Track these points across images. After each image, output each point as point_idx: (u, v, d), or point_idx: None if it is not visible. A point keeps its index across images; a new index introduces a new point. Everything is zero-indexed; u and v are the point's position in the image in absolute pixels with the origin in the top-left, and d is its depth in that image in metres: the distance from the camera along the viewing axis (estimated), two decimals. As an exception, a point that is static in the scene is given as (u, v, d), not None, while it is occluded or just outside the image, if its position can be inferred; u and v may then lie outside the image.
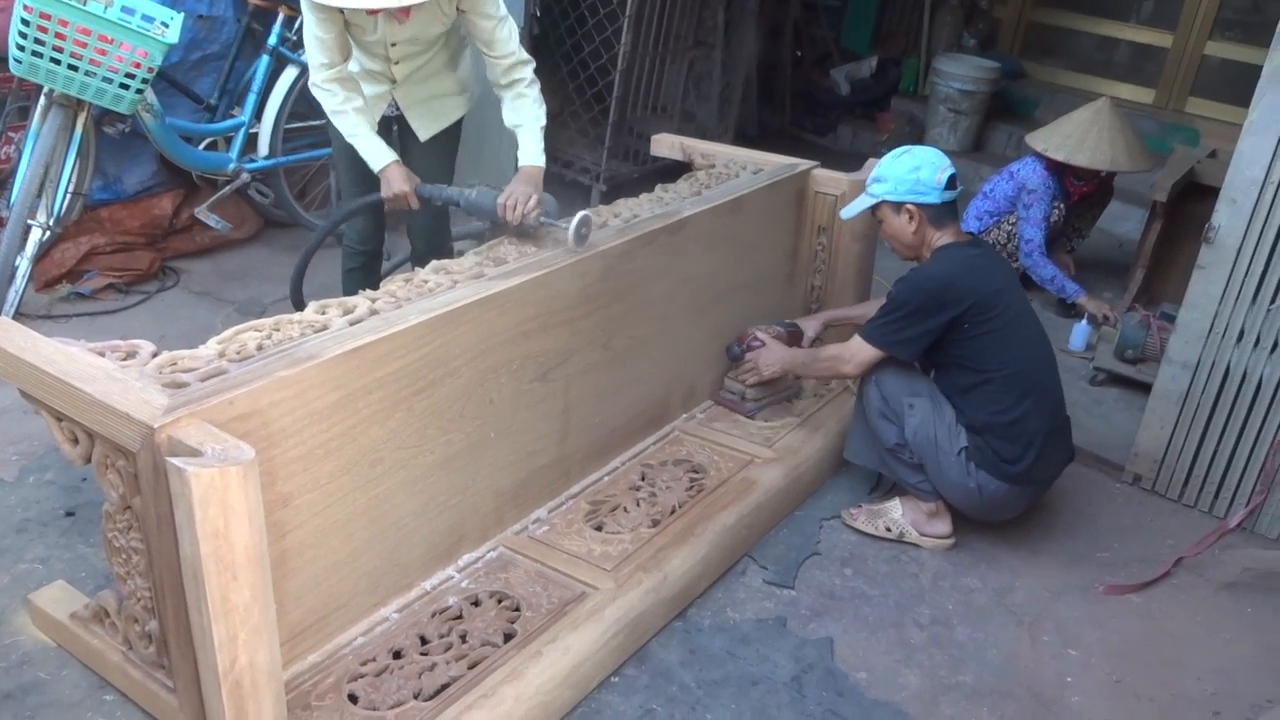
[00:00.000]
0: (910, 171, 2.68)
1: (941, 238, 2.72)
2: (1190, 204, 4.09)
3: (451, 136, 3.09)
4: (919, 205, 2.69)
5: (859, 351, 2.75)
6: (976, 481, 2.66)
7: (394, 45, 2.80)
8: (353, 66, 2.90)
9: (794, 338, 3.18)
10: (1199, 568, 2.82)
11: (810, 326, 3.22)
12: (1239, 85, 5.89)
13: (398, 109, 2.98)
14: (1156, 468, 3.14)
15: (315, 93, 2.78)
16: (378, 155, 2.79)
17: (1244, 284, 2.85)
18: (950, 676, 2.39)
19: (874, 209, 2.79)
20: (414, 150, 3.05)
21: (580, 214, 2.48)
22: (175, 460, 1.58)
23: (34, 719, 2.04)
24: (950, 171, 2.69)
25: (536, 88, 2.84)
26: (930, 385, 2.74)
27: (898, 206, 2.72)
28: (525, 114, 2.81)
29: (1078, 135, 4.24)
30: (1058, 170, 4.28)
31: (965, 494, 2.70)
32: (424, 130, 3.02)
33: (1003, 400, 2.64)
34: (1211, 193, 2.92)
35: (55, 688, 2.12)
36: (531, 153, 2.78)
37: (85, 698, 2.10)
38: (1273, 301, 2.80)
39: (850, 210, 2.90)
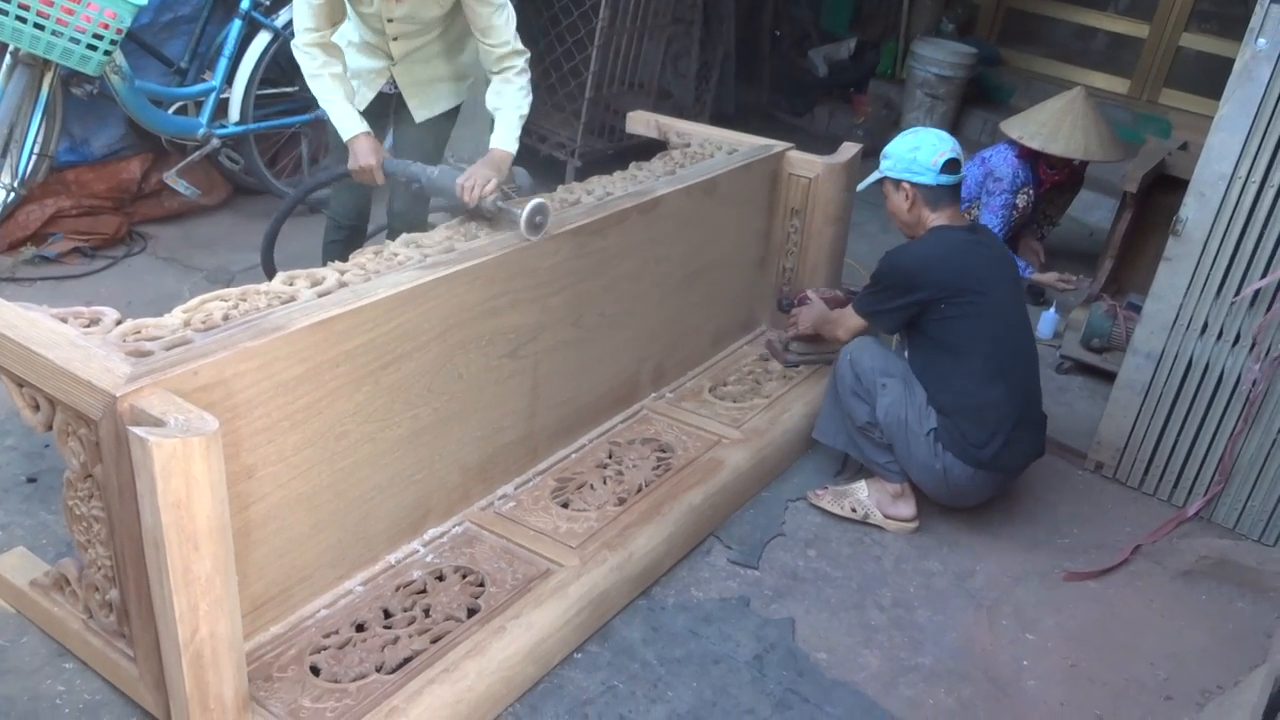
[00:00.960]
0: (909, 151, 2.76)
1: (937, 218, 2.77)
2: (1160, 195, 4.13)
3: (447, 121, 3.08)
4: (914, 184, 2.75)
5: (849, 318, 2.93)
6: (943, 463, 2.69)
7: (390, 21, 2.77)
8: (353, 37, 2.88)
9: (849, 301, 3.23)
10: (1157, 555, 2.87)
11: None
12: (1213, 78, 5.94)
13: (395, 88, 2.96)
14: (1118, 456, 3.18)
15: (296, 54, 2.75)
16: (348, 124, 2.76)
17: (1209, 277, 2.88)
18: (909, 658, 2.42)
19: (880, 183, 2.86)
20: (408, 130, 3.04)
21: (534, 201, 2.42)
22: (137, 430, 1.57)
23: (-9, 686, 2.03)
24: (950, 156, 2.73)
25: (525, 78, 2.81)
26: (904, 366, 2.77)
27: (897, 184, 2.79)
28: (507, 99, 2.78)
29: (1052, 124, 4.26)
30: (1030, 158, 4.30)
31: (931, 475, 2.73)
32: (420, 112, 3.01)
33: (974, 383, 2.67)
34: (1181, 185, 2.95)
35: (14, 654, 2.11)
36: (503, 138, 2.75)
37: (44, 665, 2.09)
38: (1236, 294, 2.84)
39: (862, 184, 2.98)
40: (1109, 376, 3.45)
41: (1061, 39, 6.69)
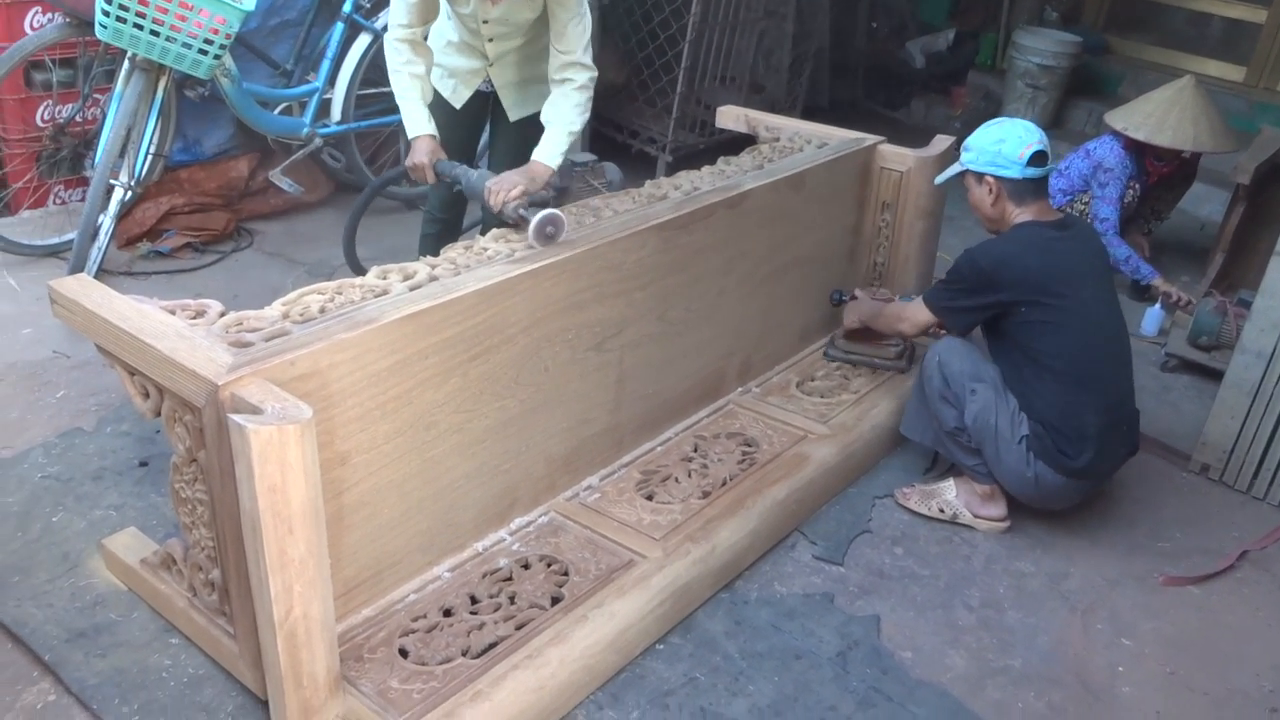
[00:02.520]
0: (994, 143, 2.67)
1: (1022, 214, 2.68)
2: (1276, 187, 3.96)
3: (539, 124, 3.13)
4: (998, 178, 2.66)
5: (916, 313, 2.84)
6: (1034, 471, 2.62)
7: (485, 23, 2.84)
8: (452, 37, 2.96)
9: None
10: (1264, 562, 2.76)
11: None
12: (1337, 63, 5.65)
13: (491, 87, 3.04)
14: (1225, 458, 3.06)
15: (386, 47, 2.84)
16: (414, 124, 2.84)
17: (1325, 272, 2.75)
18: (998, 660, 2.37)
19: (962, 177, 2.79)
20: (503, 129, 3.12)
21: (545, 211, 2.41)
22: (236, 417, 1.64)
23: (105, 657, 2.15)
24: (1038, 148, 2.64)
25: (585, 95, 2.82)
26: (994, 372, 2.69)
27: (979, 177, 2.71)
28: (560, 113, 2.80)
29: (1159, 115, 4.11)
30: (1136, 150, 4.16)
31: (1022, 483, 2.66)
32: (514, 111, 3.08)
33: (1063, 392, 2.59)
34: (1297, 176, 2.82)
35: (125, 629, 2.23)
36: (547, 151, 2.77)
37: (153, 640, 2.20)
38: (1355, 291, 2.70)
39: (942, 176, 2.91)
40: (1216, 376, 3.31)
41: (1173, 25, 6.42)
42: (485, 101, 3.10)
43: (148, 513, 2.57)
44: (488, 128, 3.25)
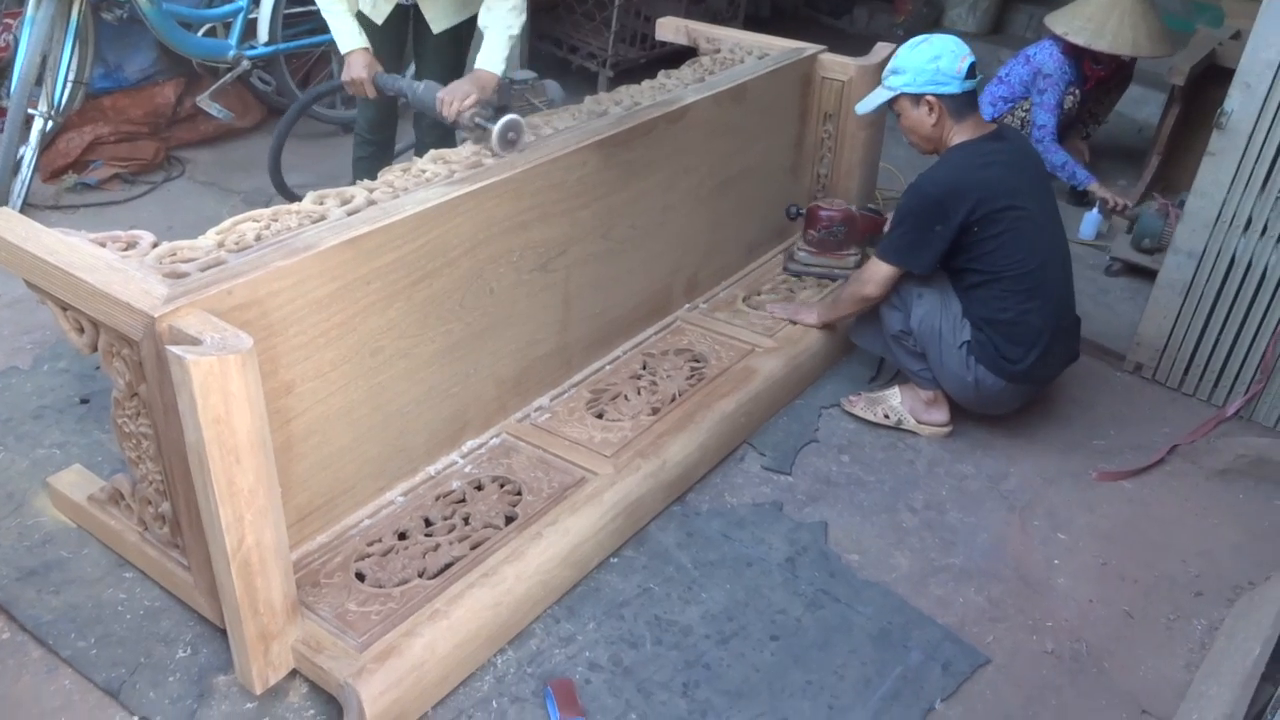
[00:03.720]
0: (930, 61, 2.59)
1: (961, 132, 2.64)
2: (1210, 88, 3.99)
3: (465, 32, 3.05)
4: (939, 96, 2.60)
5: (876, 270, 2.72)
6: (975, 375, 2.68)
7: None
8: None
9: (872, 223, 3.21)
10: (1194, 455, 2.86)
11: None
12: (1272, -38, 5.67)
13: None
14: (1158, 357, 3.15)
15: None
16: (346, 39, 2.79)
17: (1254, 171, 2.81)
18: (940, 559, 2.46)
19: (891, 103, 2.70)
20: (427, 42, 3.04)
21: (507, 117, 2.39)
22: (175, 349, 1.62)
23: (59, 594, 2.14)
24: (971, 59, 2.60)
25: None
26: (942, 277, 2.70)
27: (916, 98, 2.63)
28: (498, 17, 2.73)
29: (1098, 19, 4.11)
30: (1075, 55, 4.17)
31: (962, 387, 2.72)
32: (436, 23, 2.99)
33: (1009, 299, 2.62)
34: (1232, 76, 2.84)
35: (77, 565, 2.22)
36: (489, 57, 2.72)
37: (106, 574, 2.20)
38: (1282, 189, 2.76)
39: (866, 105, 2.76)
40: (1154, 277, 3.38)
41: (1112, -75, 6.38)
42: (405, 15, 3.02)
43: (92, 450, 2.54)
44: (410, 43, 3.17)
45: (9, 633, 2.07)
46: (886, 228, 2.73)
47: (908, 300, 2.69)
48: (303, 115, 3.90)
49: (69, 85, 3.36)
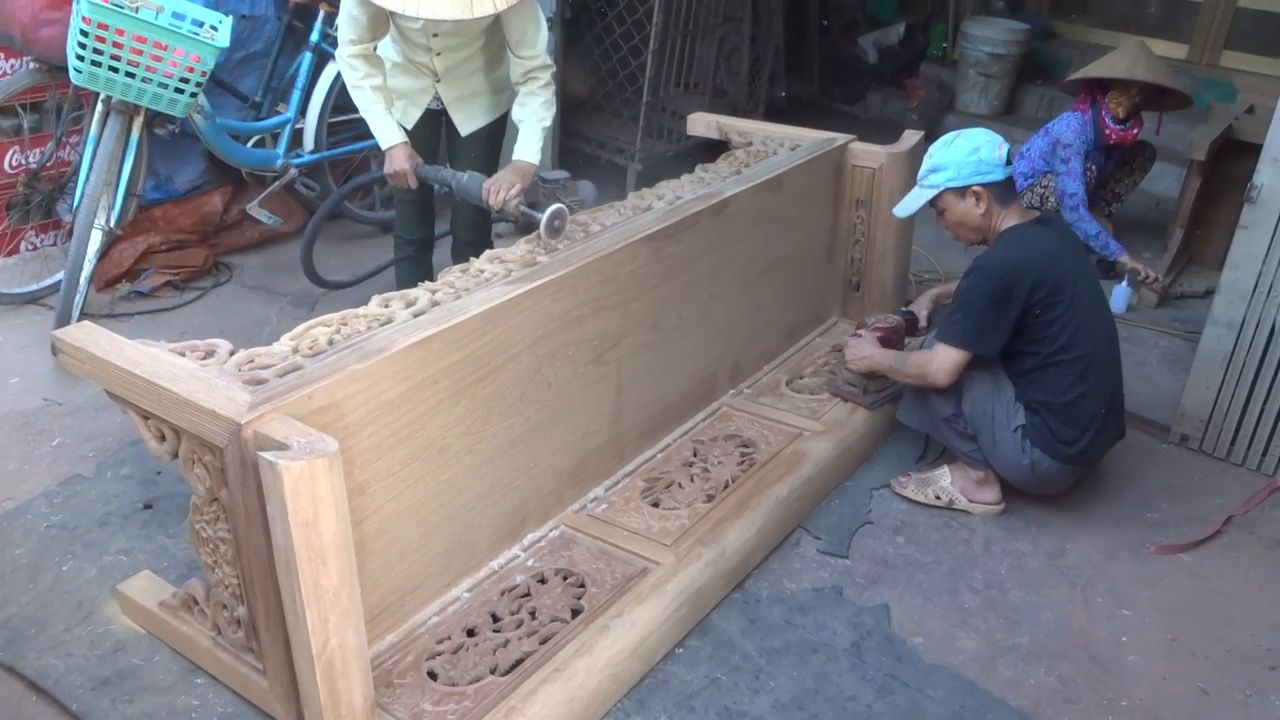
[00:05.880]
0: (970, 154, 2.64)
1: (1008, 217, 2.68)
2: (1229, 161, 4.08)
3: (494, 132, 3.16)
4: (985, 185, 2.65)
5: (944, 358, 2.65)
6: (1030, 459, 2.68)
7: (435, 36, 2.87)
8: (396, 58, 2.98)
9: (910, 324, 3.10)
10: (1249, 525, 2.85)
11: (922, 307, 3.14)
12: (1276, 37, 5.82)
13: (441, 104, 3.06)
14: (1203, 427, 3.16)
15: (340, 65, 2.89)
16: (386, 133, 2.91)
17: (1288, 242, 2.86)
18: (1006, 639, 2.44)
19: (933, 201, 2.74)
20: (458, 144, 3.14)
21: (554, 206, 2.51)
22: (266, 454, 1.67)
23: (133, 702, 2.15)
24: (1007, 146, 2.68)
25: (550, 91, 2.92)
26: (993, 360, 2.69)
27: (962, 191, 2.67)
28: (531, 111, 2.91)
29: (1111, 60, 4.23)
30: (1093, 118, 4.24)
31: (1018, 470, 2.73)
32: (464, 125, 3.11)
33: (1064, 382, 2.63)
34: (1250, 149, 2.93)
35: (149, 672, 2.23)
36: (526, 148, 2.89)
37: (178, 681, 2.21)
38: (1318, 259, 2.81)
39: (906, 207, 2.81)
40: (1191, 347, 3.42)
41: (1115, 7, 6.59)
42: (435, 119, 3.13)
43: (158, 555, 2.57)
44: (442, 147, 3.28)
45: (86, 742, 2.08)
46: (949, 312, 2.71)
47: (959, 384, 2.71)
48: (338, 208, 4.06)
49: (125, 198, 3.48)
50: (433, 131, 3.15)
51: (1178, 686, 2.32)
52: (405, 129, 3.04)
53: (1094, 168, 4.33)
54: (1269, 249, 2.89)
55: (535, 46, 2.85)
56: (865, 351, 2.98)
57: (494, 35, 2.95)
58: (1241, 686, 2.32)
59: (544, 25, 2.87)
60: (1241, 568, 2.70)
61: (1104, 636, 2.46)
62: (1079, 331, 2.63)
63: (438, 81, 3.01)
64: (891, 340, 3.02)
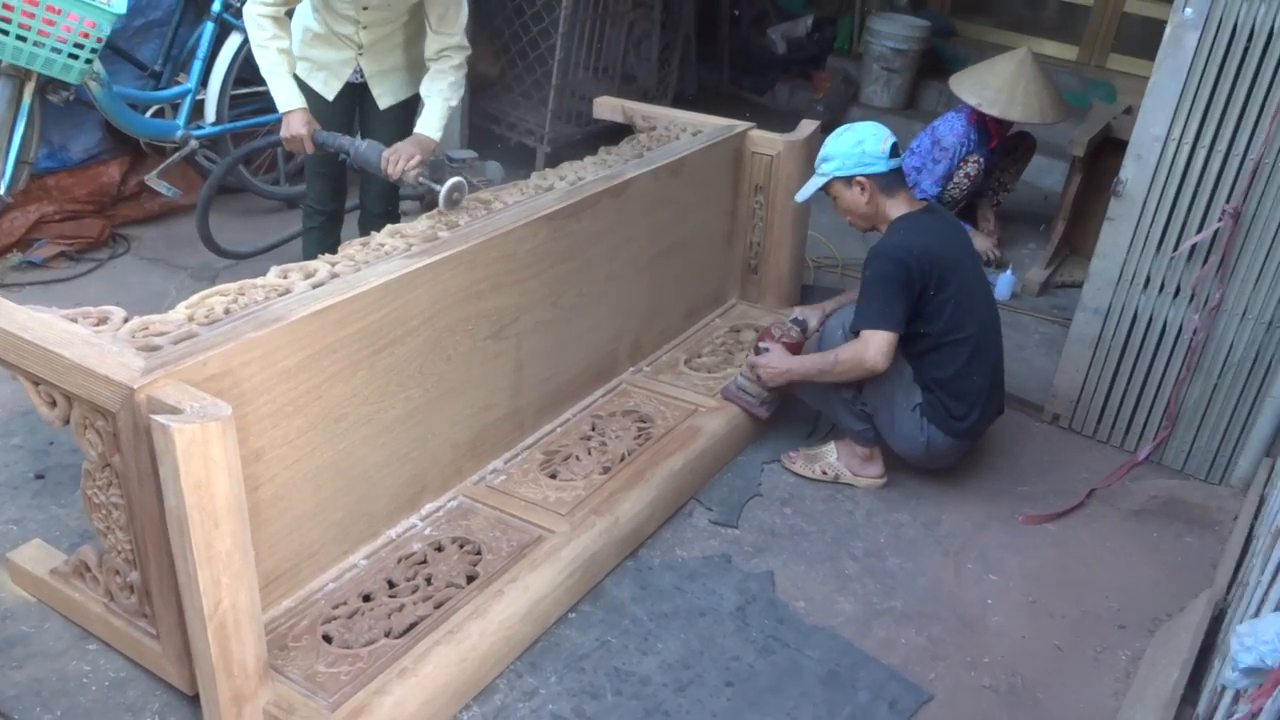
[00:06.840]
0: (854, 145, 2.78)
1: (896, 206, 2.82)
2: (1107, 158, 4.30)
3: (409, 108, 3.19)
4: (868, 176, 2.79)
5: (877, 342, 2.69)
6: (927, 436, 2.83)
7: (365, 9, 2.89)
8: (318, 29, 3.00)
9: (802, 332, 3.11)
10: (1110, 498, 3.06)
11: (812, 318, 3.17)
12: (1156, 42, 6.11)
13: (363, 76, 3.08)
14: (1073, 407, 3.36)
15: (247, 21, 2.88)
16: (286, 97, 2.91)
17: (1149, 234, 3.06)
18: (882, 602, 2.59)
19: (826, 188, 2.88)
20: (373, 117, 3.17)
21: (453, 179, 2.61)
22: (159, 417, 1.69)
23: (21, 668, 2.15)
24: (893, 140, 2.80)
25: (461, 73, 2.98)
26: None
27: (848, 180, 2.81)
28: (439, 88, 2.96)
29: (1007, 90, 4.40)
30: (979, 119, 4.44)
31: (914, 446, 2.87)
32: (383, 99, 3.14)
33: (956, 361, 2.79)
34: (1126, 148, 3.11)
35: (39, 639, 2.23)
36: (429, 123, 2.94)
37: (69, 648, 2.21)
38: (1175, 249, 3.01)
39: (803, 193, 2.96)
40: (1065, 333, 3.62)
41: (1012, 8, 6.84)
42: (354, 92, 3.15)
43: (49, 524, 2.55)
44: (358, 119, 3.30)
45: (-28, 708, 2.07)
46: (860, 303, 2.77)
47: None
48: (239, 181, 4.09)
49: (16, 166, 3.40)
50: (351, 103, 3.17)
51: (1036, 644, 2.49)
52: (326, 99, 3.06)
53: (981, 160, 4.52)
54: (1132, 239, 3.08)
55: (455, 25, 2.90)
56: (781, 365, 2.95)
57: (417, 12, 2.98)
58: (1093, 643, 2.51)
59: (465, 6, 2.92)
60: (1100, 536, 2.90)
61: (972, 599, 2.62)
62: (968, 313, 2.79)
63: (360, 54, 3.03)
64: (798, 349, 3.06)
